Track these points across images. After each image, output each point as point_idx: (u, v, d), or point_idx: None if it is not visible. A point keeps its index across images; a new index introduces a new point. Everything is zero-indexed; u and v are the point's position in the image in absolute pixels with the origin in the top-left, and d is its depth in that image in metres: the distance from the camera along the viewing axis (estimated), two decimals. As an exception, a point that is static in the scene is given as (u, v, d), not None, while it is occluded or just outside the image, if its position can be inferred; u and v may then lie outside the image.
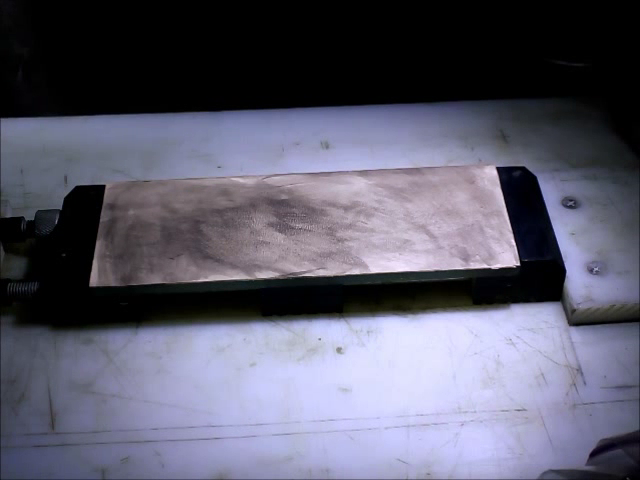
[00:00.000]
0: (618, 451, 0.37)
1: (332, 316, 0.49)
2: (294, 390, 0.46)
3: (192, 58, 0.70)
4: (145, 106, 0.64)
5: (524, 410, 0.45)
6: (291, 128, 0.61)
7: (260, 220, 0.49)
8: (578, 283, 0.48)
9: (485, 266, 0.47)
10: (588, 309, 0.47)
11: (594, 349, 0.47)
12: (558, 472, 0.37)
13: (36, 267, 0.51)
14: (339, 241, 0.48)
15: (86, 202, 0.51)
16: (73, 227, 0.50)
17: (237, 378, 0.46)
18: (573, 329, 0.48)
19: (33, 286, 0.48)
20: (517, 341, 0.48)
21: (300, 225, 0.49)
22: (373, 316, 0.49)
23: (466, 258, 0.47)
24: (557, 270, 0.48)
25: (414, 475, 0.42)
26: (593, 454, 0.39)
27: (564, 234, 0.50)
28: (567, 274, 0.48)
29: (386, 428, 0.44)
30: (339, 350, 0.47)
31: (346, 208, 0.50)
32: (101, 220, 0.50)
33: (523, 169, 0.53)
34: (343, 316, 0.49)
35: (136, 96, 0.70)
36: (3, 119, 0.61)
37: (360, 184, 0.51)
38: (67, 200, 0.52)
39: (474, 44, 0.68)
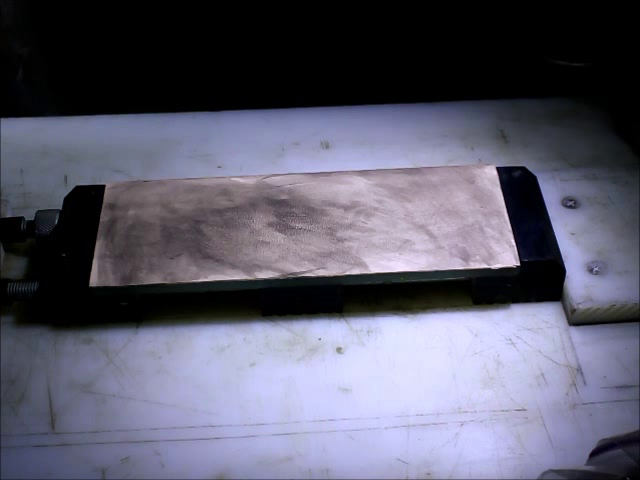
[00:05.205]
0: (618, 451, 0.37)
1: (332, 316, 0.49)
2: (294, 390, 0.46)
3: (192, 58, 0.70)
4: (145, 106, 0.64)
5: (524, 410, 0.45)
6: (291, 128, 0.61)
7: (260, 220, 0.49)
8: (578, 283, 0.48)
9: (485, 266, 0.47)
10: (588, 309, 0.47)
11: (594, 349, 0.47)
12: (558, 472, 0.37)
13: (36, 267, 0.51)
14: (339, 241, 0.48)
15: (86, 202, 0.51)
16: (73, 227, 0.50)
17: (237, 378, 0.46)
18: (573, 329, 0.48)
19: (33, 286, 0.48)
20: (517, 341, 0.48)
21: (300, 225, 0.49)
22: (373, 316, 0.49)
23: (466, 258, 0.47)
24: (557, 270, 0.48)
25: (414, 475, 0.42)
26: (593, 454, 0.39)
27: (564, 234, 0.50)
28: (567, 274, 0.48)
29: (386, 428, 0.44)
30: (339, 350, 0.47)
31: (346, 208, 0.50)
32: (101, 220, 0.50)
33: (523, 169, 0.53)
34: (343, 316, 0.49)
35: (136, 96, 0.70)
36: (3, 119, 0.61)
37: (360, 184, 0.51)
38: (67, 200, 0.52)
39: (474, 44, 0.68)
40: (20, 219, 0.51)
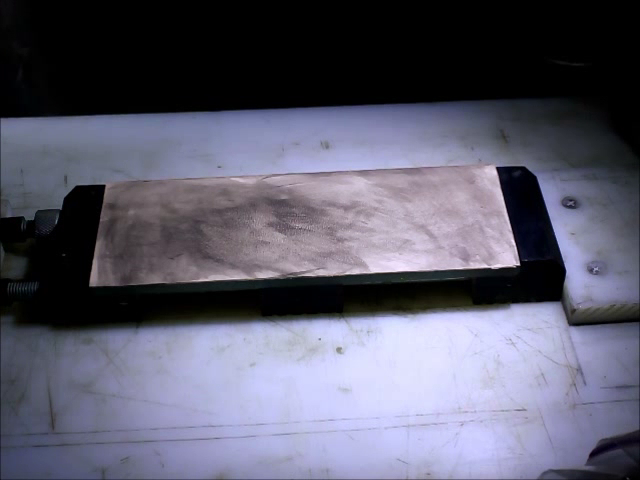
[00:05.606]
0: (618, 451, 0.37)
1: (332, 316, 0.49)
2: (294, 390, 0.46)
3: (191, 58, 0.70)
4: (145, 106, 0.64)
5: (524, 410, 0.45)
6: (291, 128, 0.61)
7: (260, 220, 0.49)
8: (578, 283, 0.48)
9: (485, 266, 0.47)
10: (588, 309, 0.47)
11: (594, 349, 0.47)
12: (558, 472, 0.37)
13: (36, 267, 0.51)
14: (339, 241, 0.48)
15: (86, 202, 0.51)
16: (73, 227, 0.50)
17: (237, 378, 0.46)
18: (573, 329, 0.48)
19: (33, 286, 0.48)
20: (517, 341, 0.48)
21: (300, 225, 0.49)
22: (373, 316, 0.49)
23: (466, 258, 0.47)
24: (557, 270, 0.48)
25: (414, 475, 0.42)
26: (593, 454, 0.39)
27: (564, 234, 0.50)
28: (567, 274, 0.48)
29: (386, 428, 0.44)
30: (339, 350, 0.47)
31: (346, 208, 0.50)
32: (101, 220, 0.50)
33: (523, 169, 0.53)
34: (343, 316, 0.49)
35: (136, 96, 0.70)
36: (3, 119, 0.61)
37: (360, 184, 0.51)
38: (67, 200, 0.52)
39: (474, 44, 0.68)
40: (20, 219, 0.51)
